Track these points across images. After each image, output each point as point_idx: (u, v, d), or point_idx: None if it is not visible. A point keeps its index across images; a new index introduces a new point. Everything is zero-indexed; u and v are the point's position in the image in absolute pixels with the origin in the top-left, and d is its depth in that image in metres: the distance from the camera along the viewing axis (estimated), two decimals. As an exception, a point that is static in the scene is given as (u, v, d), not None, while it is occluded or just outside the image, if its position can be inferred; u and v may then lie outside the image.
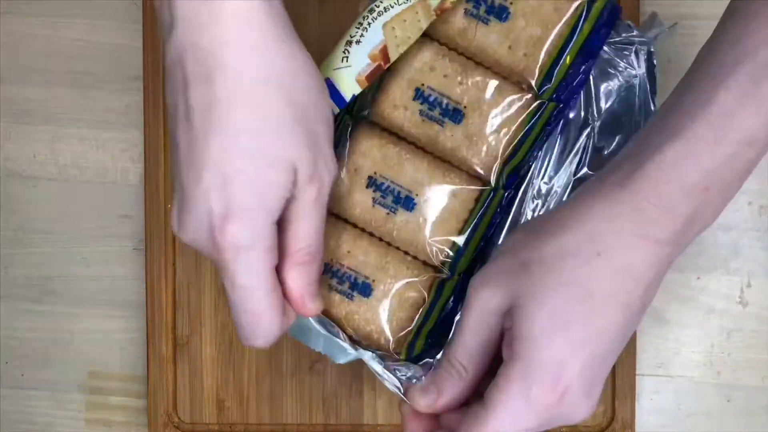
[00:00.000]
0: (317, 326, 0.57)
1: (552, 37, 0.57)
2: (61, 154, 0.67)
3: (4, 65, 0.67)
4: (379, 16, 0.56)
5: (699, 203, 0.49)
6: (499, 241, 0.61)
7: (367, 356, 0.58)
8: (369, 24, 0.56)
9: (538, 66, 0.58)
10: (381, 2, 0.56)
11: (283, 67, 0.50)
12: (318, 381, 0.66)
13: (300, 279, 0.52)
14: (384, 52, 0.56)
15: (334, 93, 0.56)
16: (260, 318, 0.51)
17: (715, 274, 0.67)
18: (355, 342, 0.59)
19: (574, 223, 0.50)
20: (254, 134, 0.48)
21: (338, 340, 0.57)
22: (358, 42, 0.56)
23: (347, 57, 0.56)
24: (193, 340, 0.66)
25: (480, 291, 0.51)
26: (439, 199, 0.59)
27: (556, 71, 0.58)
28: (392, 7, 0.56)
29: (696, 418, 0.67)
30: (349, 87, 0.56)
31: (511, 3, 0.57)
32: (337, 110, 0.55)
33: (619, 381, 0.65)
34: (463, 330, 0.52)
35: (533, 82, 0.58)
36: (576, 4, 0.57)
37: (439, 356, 0.59)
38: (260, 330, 0.51)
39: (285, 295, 0.52)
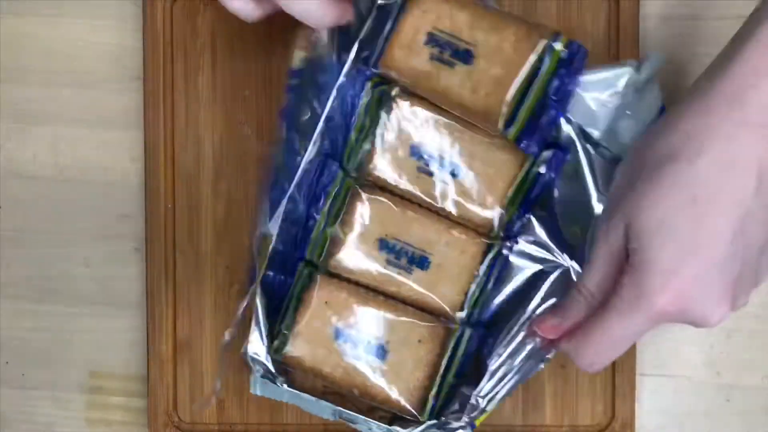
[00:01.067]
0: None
1: (515, 77, 0.57)
2: (61, 154, 0.67)
3: (4, 65, 0.67)
4: None
5: None
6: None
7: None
8: None
9: (502, 106, 0.58)
10: None
11: None
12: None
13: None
14: None
15: None
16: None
17: (715, 274, 0.67)
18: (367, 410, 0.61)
19: (670, 126, 0.50)
20: None
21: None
22: None
23: None
24: (193, 340, 0.66)
25: (602, 225, 0.53)
26: (450, 255, 0.61)
27: (520, 112, 0.58)
28: None
29: (696, 418, 0.67)
30: None
31: (474, 46, 0.57)
32: None
33: (619, 381, 0.65)
34: (591, 263, 0.54)
35: (499, 124, 0.58)
36: (539, 45, 0.57)
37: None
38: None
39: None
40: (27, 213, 0.67)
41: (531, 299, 0.61)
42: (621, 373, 0.65)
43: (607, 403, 0.66)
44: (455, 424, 0.59)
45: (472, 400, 0.59)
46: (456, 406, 0.60)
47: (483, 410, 0.60)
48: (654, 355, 0.67)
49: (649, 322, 0.51)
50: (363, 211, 0.60)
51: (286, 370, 0.61)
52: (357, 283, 0.60)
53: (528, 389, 0.66)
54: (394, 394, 0.60)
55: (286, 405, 0.66)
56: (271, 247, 0.59)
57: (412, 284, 0.60)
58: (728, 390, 0.67)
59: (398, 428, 0.60)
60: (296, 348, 0.60)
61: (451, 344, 0.61)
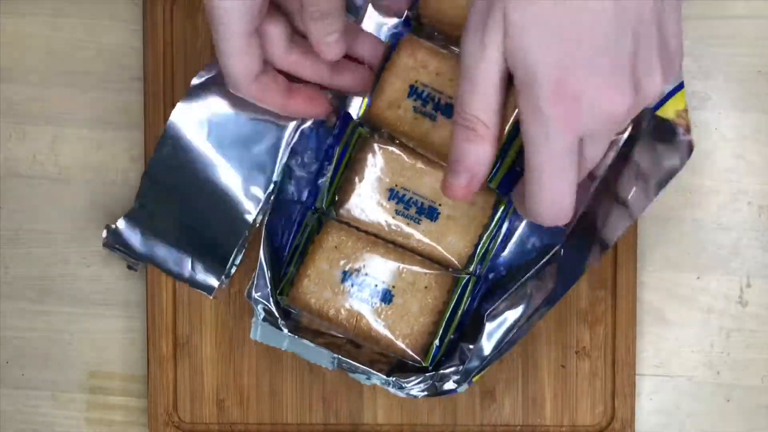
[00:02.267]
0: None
1: None
2: (61, 154, 0.67)
3: (4, 65, 0.67)
4: None
5: None
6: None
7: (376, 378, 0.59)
8: None
9: None
10: None
11: None
12: (318, 381, 0.66)
13: (316, 32, 0.54)
14: None
15: None
16: (230, 70, 0.56)
17: (714, 274, 0.67)
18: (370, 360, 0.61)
19: None
20: None
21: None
22: None
23: None
24: (193, 340, 0.66)
25: (472, 41, 0.47)
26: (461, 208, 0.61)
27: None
28: None
29: (696, 418, 0.67)
30: None
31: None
32: None
33: (619, 381, 0.65)
34: (470, 83, 0.48)
35: None
36: None
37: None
38: (229, 79, 0.56)
39: (310, 42, 0.55)
40: (27, 213, 0.67)
41: (536, 263, 0.61)
42: (621, 373, 0.65)
43: (607, 403, 0.66)
44: (453, 378, 0.60)
45: (470, 356, 0.60)
46: (456, 361, 0.61)
47: (480, 367, 0.60)
48: (654, 355, 0.67)
49: (566, 134, 0.46)
50: (374, 160, 0.60)
51: (288, 314, 0.62)
52: (366, 232, 0.61)
53: (528, 389, 0.66)
54: (398, 338, 0.60)
55: (286, 404, 0.66)
56: (273, 196, 0.61)
57: (420, 235, 0.61)
58: (728, 390, 0.67)
59: (397, 378, 0.60)
60: (303, 289, 0.60)
61: (457, 292, 0.61)
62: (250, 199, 0.62)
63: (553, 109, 0.45)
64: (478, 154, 0.49)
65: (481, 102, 0.48)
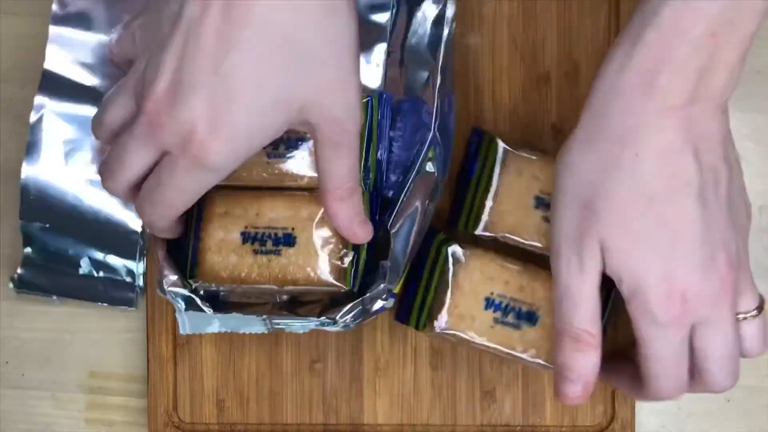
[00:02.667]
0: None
1: None
2: (61, 154, 0.67)
3: (4, 65, 0.67)
4: None
5: (709, 51, 0.48)
6: None
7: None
8: None
9: None
10: None
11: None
12: (318, 381, 0.66)
13: (344, 211, 0.55)
14: None
15: None
16: (166, 224, 0.55)
17: (715, 274, 0.67)
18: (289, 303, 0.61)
19: (601, 135, 0.50)
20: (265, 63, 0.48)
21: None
22: None
23: None
24: (193, 340, 0.66)
25: (563, 260, 0.53)
26: None
27: None
28: None
29: (696, 418, 0.67)
30: None
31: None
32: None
33: (619, 381, 0.65)
34: (569, 299, 0.53)
35: None
36: None
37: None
38: (158, 229, 0.56)
39: (336, 225, 0.56)
40: (27, 213, 0.67)
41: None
42: (621, 373, 0.65)
43: (607, 403, 0.66)
44: (380, 297, 0.59)
45: (387, 271, 0.59)
46: (380, 281, 0.60)
47: (399, 276, 0.59)
48: (654, 355, 0.67)
49: (680, 330, 0.52)
50: None
51: (209, 297, 0.61)
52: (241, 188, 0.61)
53: (528, 389, 0.66)
54: (313, 270, 0.60)
55: (286, 404, 0.66)
56: None
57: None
58: (728, 390, 0.67)
59: (327, 315, 0.59)
60: (209, 263, 0.60)
61: None
62: (130, 209, 0.64)
63: (667, 313, 0.51)
64: (589, 361, 0.54)
65: (586, 316, 0.53)
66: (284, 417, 0.66)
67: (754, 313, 0.54)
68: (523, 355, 0.61)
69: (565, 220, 0.53)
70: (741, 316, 0.54)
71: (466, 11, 0.65)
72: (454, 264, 0.60)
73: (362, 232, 0.56)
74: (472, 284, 0.60)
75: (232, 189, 0.60)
